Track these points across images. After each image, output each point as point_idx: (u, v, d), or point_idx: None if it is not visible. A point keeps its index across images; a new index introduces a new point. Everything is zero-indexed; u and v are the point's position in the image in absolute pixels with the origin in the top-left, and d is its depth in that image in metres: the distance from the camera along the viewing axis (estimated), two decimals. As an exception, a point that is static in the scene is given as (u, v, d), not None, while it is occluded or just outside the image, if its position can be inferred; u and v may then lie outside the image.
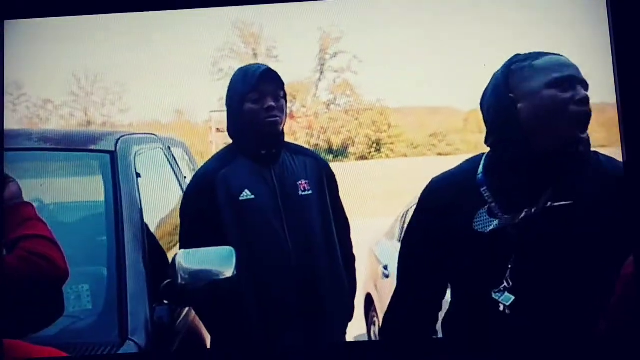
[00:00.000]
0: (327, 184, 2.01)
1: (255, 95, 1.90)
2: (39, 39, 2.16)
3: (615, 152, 1.65)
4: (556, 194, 1.52)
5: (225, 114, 3.51)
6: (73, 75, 3.72)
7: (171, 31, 2.37)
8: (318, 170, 2.01)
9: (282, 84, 1.94)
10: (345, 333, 2.07)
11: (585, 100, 1.49)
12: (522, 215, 1.54)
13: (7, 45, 1.97)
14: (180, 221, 1.94)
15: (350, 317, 2.07)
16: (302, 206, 1.95)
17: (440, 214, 1.62)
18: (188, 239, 1.90)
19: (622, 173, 1.55)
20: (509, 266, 1.54)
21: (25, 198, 1.64)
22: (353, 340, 2.90)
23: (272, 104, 1.90)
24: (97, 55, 2.69)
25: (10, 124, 3.63)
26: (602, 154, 1.57)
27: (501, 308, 1.54)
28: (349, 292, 2.05)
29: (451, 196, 1.62)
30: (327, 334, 1.98)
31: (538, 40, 1.98)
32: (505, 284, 1.55)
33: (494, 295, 1.56)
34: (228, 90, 1.98)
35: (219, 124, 3.98)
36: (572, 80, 1.50)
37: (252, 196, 1.90)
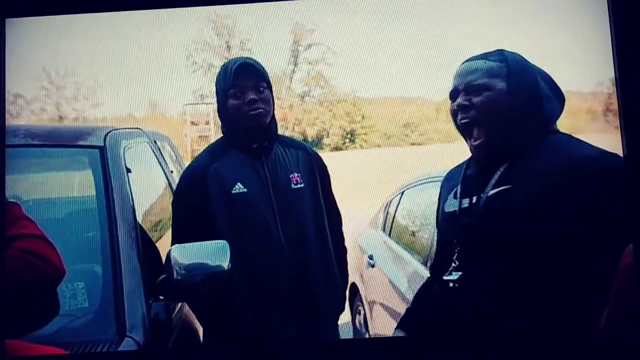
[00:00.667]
0: (319, 176, 2.02)
1: (236, 90, 1.92)
2: (9, 33, 2.12)
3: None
4: (499, 182, 1.61)
5: (199, 107, 3.49)
6: (43, 70, 3.64)
7: (144, 24, 2.35)
8: (310, 163, 2.02)
9: (262, 74, 1.95)
10: (337, 325, 2.09)
11: (461, 105, 1.65)
12: (473, 200, 1.65)
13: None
14: (173, 215, 1.93)
15: (342, 308, 2.09)
16: (294, 199, 1.96)
17: (442, 200, 1.77)
18: (181, 233, 1.90)
19: (582, 157, 1.58)
20: (457, 249, 1.66)
21: (14, 194, 1.61)
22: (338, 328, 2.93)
23: (254, 96, 1.91)
24: (67, 49, 2.65)
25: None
26: (575, 140, 1.63)
27: (450, 285, 1.67)
28: (341, 284, 2.06)
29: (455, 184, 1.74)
30: (319, 326, 2.00)
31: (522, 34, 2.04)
32: (453, 264, 1.68)
33: (444, 278, 1.68)
34: (215, 88, 1.99)
35: (193, 116, 3.94)
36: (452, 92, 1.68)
37: (245, 189, 1.90)
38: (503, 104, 1.62)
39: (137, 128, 2.37)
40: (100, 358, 1.55)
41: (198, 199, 1.88)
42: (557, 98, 1.65)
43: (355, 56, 3.33)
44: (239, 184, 1.90)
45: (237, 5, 2.19)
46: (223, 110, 1.94)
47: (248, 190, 1.90)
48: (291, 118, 4.51)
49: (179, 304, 2.06)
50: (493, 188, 1.61)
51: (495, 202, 1.60)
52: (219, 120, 2.05)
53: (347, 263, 2.11)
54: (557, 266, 1.51)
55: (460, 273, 1.67)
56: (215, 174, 1.90)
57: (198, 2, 2.01)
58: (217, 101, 1.96)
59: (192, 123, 4.01)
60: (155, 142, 2.46)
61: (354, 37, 3.16)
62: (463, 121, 1.67)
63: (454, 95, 1.70)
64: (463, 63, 1.71)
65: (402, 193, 2.71)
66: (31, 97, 3.75)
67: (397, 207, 2.71)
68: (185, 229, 1.90)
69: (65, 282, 1.65)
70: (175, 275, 1.74)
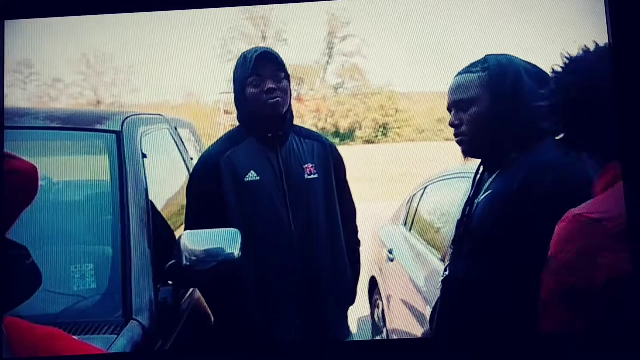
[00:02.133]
0: (334, 168, 2.01)
1: (255, 79, 1.91)
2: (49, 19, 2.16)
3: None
4: (488, 188, 1.61)
5: (233, 96, 3.52)
6: (83, 55, 3.73)
7: (181, 12, 2.37)
8: (325, 154, 2.01)
9: (282, 64, 1.94)
10: (346, 316, 2.08)
11: (453, 124, 1.68)
12: (471, 206, 1.66)
13: (17, 23, 1.98)
14: (187, 202, 1.95)
15: (351, 301, 2.08)
16: (307, 189, 1.96)
17: None
18: (194, 219, 1.92)
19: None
20: (451, 249, 1.70)
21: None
22: (356, 321, 2.93)
23: (272, 85, 1.90)
24: (106, 35, 2.69)
25: (20, 103, 3.65)
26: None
27: (439, 285, 1.72)
28: (352, 277, 2.06)
29: None
30: (327, 317, 1.99)
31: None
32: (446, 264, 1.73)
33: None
34: (233, 77, 1.99)
35: (227, 105, 3.97)
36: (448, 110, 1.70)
37: (258, 177, 1.91)
38: (488, 115, 1.60)
39: (158, 114, 2.39)
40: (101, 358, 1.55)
41: (211, 186, 1.90)
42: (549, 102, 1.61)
43: (390, 49, 3.29)
44: (252, 171, 1.91)
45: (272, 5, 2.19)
46: (240, 99, 1.94)
47: (261, 178, 1.90)
48: (324, 110, 4.51)
49: (190, 290, 2.08)
50: (483, 194, 1.60)
51: (479, 207, 1.60)
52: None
53: (359, 255, 2.09)
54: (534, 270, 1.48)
55: (447, 273, 1.69)
56: (228, 161, 1.91)
57: (232, 2, 2.01)
58: (234, 89, 1.96)
59: (226, 112, 4.04)
60: (176, 129, 2.49)
61: (390, 30, 3.13)
62: (457, 139, 1.68)
63: (450, 113, 1.72)
64: (454, 78, 1.71)
65: (425, 188, 2.67)
66: (70, 81, 3.85)
67: (419, 202, 2.68)
68: (198, 214, 1.92)
69: (74, 263, 1.69)
70: (184, 261, 1.75)
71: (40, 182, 1.42)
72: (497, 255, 1.54)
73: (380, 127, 4.51)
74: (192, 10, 2.30)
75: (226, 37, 4.04)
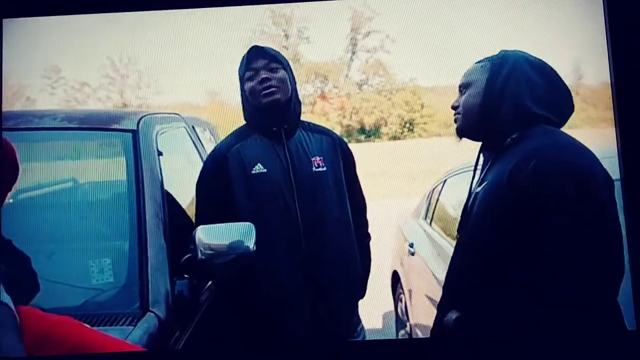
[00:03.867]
0: (342, 161, 2.02)
1: (250, 73, 1.96)
2: (74, 21, 2.21)
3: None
4: (483, 179, 1.63)
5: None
6: (107, 58, 3.80)
7: (203, 12, 2.41)
8: (334, 147, 2.02)
9: (273, 55, 1.97)
10: (356, 311, 2.08)
11: (453, 107, 1.71)
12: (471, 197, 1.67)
13: (42, 29, 2.03)
14: (195, 195, 1.99)
15: (362, 294, 2.08)
16: (314, 182, 1.97)
17: None
18: (202, 212, 1.95)
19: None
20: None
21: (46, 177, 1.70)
22: (381, 316, 2.94)
23: (266, 75, 1.94)
24: (130, 38, 2.74)
25: (49, 107, 3.75)
26: (552, 131, 1.59)
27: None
28: (362, 270, 2.06)
29: None
30: (336, 311, 2.00)
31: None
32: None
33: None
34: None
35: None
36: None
37: (264, 170, 1.93)
38: (479, 96, 1.63)
39: (174, 113, 2.44)
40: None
41: (219, 179, 1.94)
42: (553, 90, 1.60)
43: (414, 44, 3.29)
44: (259, 164, 1.93)
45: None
46: (243, 96, 1.99)
47: (268, 170, 1.92)
48: (349, 107, 4.51)
49: (209, 283, 2.11)
50: (479, 185, 1.61)
51: (478, 199, 1.60)
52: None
53: (370, 249, 2.09)
54: (528, 262, 1.47)
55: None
56: (236, 154, 1.94)
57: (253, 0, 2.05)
58: (240, 90, 2.01)
59: (250, 112, 4.07)
60: (193, 127, 2.53)
61: (413, 25, 3.12)
62: (454, 119, 1.72)
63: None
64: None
65: (445, 181, 2.66)
66: (97, 85, 3.93)
67: (439, 195, 2.67)
68: (206, 207, 1.96)
69: (92, 258, 1.74)
70: (199, 255, 1.78)
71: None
72: (491, 248, 1.54)
73: (405, 123, 4.49)
74: (215, 11, 2.34)
75: (249, 37, 4.09)
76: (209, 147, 2.60)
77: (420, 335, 2.46)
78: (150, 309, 1.69)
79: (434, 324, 1.70)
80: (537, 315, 1.45)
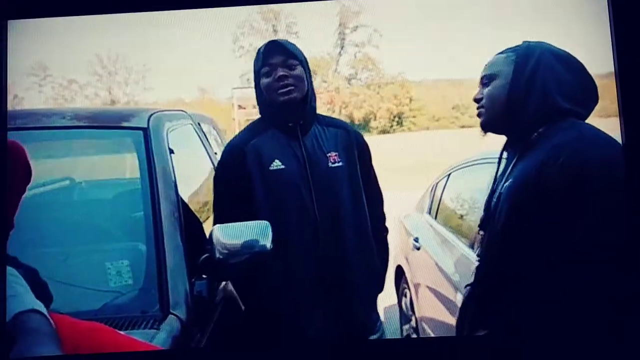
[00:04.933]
0: (358, 155, 2.00)
1: (266, 69, 1.91)
2: (62, 19, 2.16)
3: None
4: (509, 175, 1.61)
5: (246, 91, 3.51)
6: (95, 55, 3.73)
7: (191, 9, 2.37)
8: (349, 141, 2.00)
9: (292, 52, 1.92)
10: (375, 305, 2.07)
11: (475, 99, 1.67)
12: (495, 193, 1.65)
13: (31, 25, 1.97)
14: (214, 192, 1.95)
15: (380, 289, 2.07)
16: (331, 178, 1.94)
17: None
18: (222, 209, 1.92)
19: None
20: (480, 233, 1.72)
21: (58, 176, 1.66)
22: (383, 310, 2.93)
23: (283, 73, 1.90)
24: (118, 35, 2.69)
25: (36, 105, 3.66)
26: (580, 125, 1.58)
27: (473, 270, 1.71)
28: (380, 264, 2.05)
29: None
30: (355, 304, 1.98)
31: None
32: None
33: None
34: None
35: (241, 100, 3.98)
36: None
37: (282, 166, 1.91)
38: (505, 89, 1.60)
39: (181, 110, 2.39)
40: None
41: (237, 175, 1.90)
42: (579, 82, 1.59)
43: (402, 38, 3.28)
44: (276, 160, 1.91)
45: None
46: (258, 91, 1.95)
47: (285, 167, 1.90)
48: (338, 101, 4.50)
49: (222, 283, 2.08)
50: (505, 181, 1.60)
51: (502, 196, 1.58)
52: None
53: (387, 243, 2.08)
54: (556, 262, 1.47)
55: (478, 259, 1.68)
56: (253, 150, 1.91)
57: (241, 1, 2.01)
58: (254, 84, 1.96)
59: (240, 107, 4.05)
60: (199, 124, 2.49)
61: (401, 19, 3.12)
62: (477, 112, 1.68)
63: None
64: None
65: (449, 175, 2.66)
66: (84, 82, 3.86)
67: (443, 189, 2.67)
68: (225, 204, 1.92)
69: (110, 260, 1.70)
70: (217, 255, 1.75)
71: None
72: (522, 243, 1.53)
73: (394, 116, 4.50)
74: (203, 6, 2.30)
75: (237, 32, 4.05)
76: (214, 144, 2.57)
77: (427, 329, 2.46)
78: (172, 311, 1.65)
79: (460, 321, 1.70)
80: (574, 310, 1.45)
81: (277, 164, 1.90)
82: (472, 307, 1.66)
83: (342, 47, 4.36)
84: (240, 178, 1.89)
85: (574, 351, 1.54)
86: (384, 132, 4.54)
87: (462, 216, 2.51)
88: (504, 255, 1.55)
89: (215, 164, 2.43)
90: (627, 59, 1.68)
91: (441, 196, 2.68)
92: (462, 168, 2.57)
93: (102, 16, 2.25)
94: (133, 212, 1.85)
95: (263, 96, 1.93)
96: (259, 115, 2.01)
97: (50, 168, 1.88)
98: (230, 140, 2.00)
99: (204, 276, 1.83)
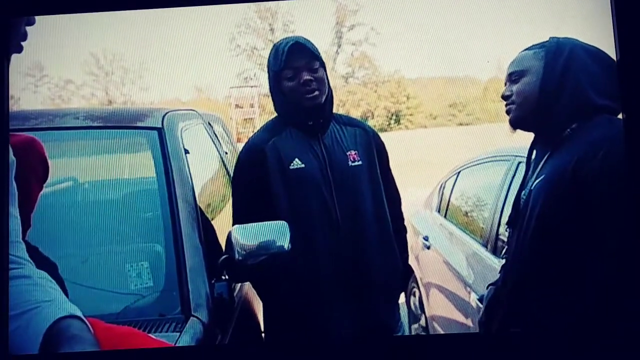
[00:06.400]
0: (377, 155, 1.98)
1: (289, 72, 1.88)
2: (58, 19, 2.13)
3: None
4: (540, 172, 1.60)
5: (243, 90, 3.48)
6: (91, 55, 3.69)
7: (188, 8, 2.34)
8: (368, 140, 1.98)
9: (315, 53, 1.91)
10: (397, 305, 2.06)
11: (504, 96, 1.66)
12: (525, 190, 1.64)
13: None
14: (233, 192, 1.93)
15: (403, 287, 2.06)
16: (351, 177, 1.93)
17: None
18: (242, 209, 1.90)
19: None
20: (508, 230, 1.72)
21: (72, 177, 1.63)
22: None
23: (308, 77, 1.88)
24: (114, 34, 2.66)
25: (32, 105, 3.61)
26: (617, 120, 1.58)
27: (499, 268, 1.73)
28: (401, 263, 2.03)
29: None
30: (377, 304, 1.97)
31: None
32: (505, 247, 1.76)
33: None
34: (267, 73, 1.95)
35: (238, 99, 3.95)
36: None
37: (302, 165, 1.89)
38: (538, 85, 1.60)
39: (191, 109, 2.37)
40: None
41: (258, 173, 1.88)
42: (611, 77, 1.59)
43: (399, 36, 3.27)
44: (296, 159, 1.88)
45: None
46: (277, 92, 1.92)
47: (306, 166, 1.88)
48: (335, 100, 4.48)
49: (239, 284, 2.05)
50: (536, 178, 1.59)
51: (534, 192, 1.57)
52: (263, 103, 2.01)
53: (407, 242, 2.07)
54: (591, 262, 1.46)
55: (506, 256, 1.68)
56: (273, 148, 1.88)
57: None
58: (269, 81, 1.94)
59: (237, 106, 4.01)
60: (209, 123, 2.46)
61: (398, 17, 3.11)
62: (507, 109, 1.67)
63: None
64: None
65: (458, 173, 2.65)
66: (81, 82, 3.80)
67: (452, 187, 2.66)
68: (245, 204, 1.90)
69: (129, 262, 1.67)
70: (236, 256, 1.73)
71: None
72: (556, 241, 1.52)
73: (392, 115, 4.49)
74: (199, 5, 2.28)
75: (234, 31, 4.01)
76: (224, 143, 2.54)
77: (438, 328, 2.45)
78: (193, 313, 1.63)
79: (485, 319, 1.68)
80: (608, 309, 1.44)
81: (297, 163, 1.88)
82: (500, 307, 1.65)
83: (339, 46, 4.34)
84: (260, 178, 1.87)
85: (603, 353, 1.53)
86: (382, 130, 4.53)
87: (472, 214, 2.51)
88: (535, 254, 1.54)
89: (226, 163, 2.41)
90: (630, 59, 1.67)
91: (450, 194, 2.67)
92: (472, 166, 2.56)
93: (97, 16, 2.21)
94: (149, 212, 1.82)
95: (285, 98, 1.90)
96: (255, 114, 1.99)
97: (64, 168, 1.84)
98: (249, 140, 1.97)
99: (223, 277, 1.80)
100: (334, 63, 4.50)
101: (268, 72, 1.95)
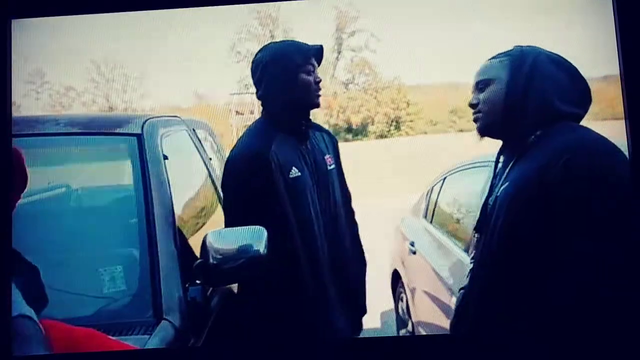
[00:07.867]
0: (339, 156, 2.09)
1: (310, 67, 1.94)
2: (59, 26, 2.17)
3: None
4: (506, 178, 1.60)
5: (244, 97, 3.50)
6: (92, 62, 3.75)
7: (189, 15, 2.37)
8: (334, 144, 2.08)
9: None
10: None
11: (471, 105, 1.67)
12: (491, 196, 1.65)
13: (26, 33, 1.98)
14: (230, 200, 1.95)
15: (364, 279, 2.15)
16: (330, 180, 2.00)
17: None
18: (244, 220, 1.87)
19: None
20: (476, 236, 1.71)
21: (53, 183, 1.65)
22: (379, 315, 2.93)
23: (320, 79, 1.95)
24: (115, 41, 2.70)
25: (34, 111, 3.67)
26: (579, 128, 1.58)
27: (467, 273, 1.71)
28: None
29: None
30: (360, 296, 2.09)
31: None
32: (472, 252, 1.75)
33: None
34: (277, 62, 1.93)
35: (238, 106, 3.99)
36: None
37: (299, 173, 1.92)
38: (504, 92, 1.61)
39: (175, 116, 2.39)
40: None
41: (263, 183, 1.88)
42: (574, 85, 1.60)
43: (399, 42, 3.29)
44: (293, 167, 1.92)
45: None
46: (290, 84, 1.93)
47: (301, 174, 1.92)
48: (335, 106, 4.51)
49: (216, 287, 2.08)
50: (502, 185, 1.60)
51: (499, 198, 1.58)
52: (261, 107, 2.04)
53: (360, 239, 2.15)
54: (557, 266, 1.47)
55: (473, 262, 1.68)
56: (275, 157, 1.90)
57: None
58: (280, 77, 1.93)
59: (237, 112, 4.05)
60: (194, 130, 2.49)
61: (398, 23, 3.13)
62: (474, 117, 1.68)
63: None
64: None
65: (444, 179, 2.66)
66: (82, 89, 3.87)
67: (438, 193, 2.67)
68: (250, 212, 1.89)
69: (103, 266, 1.70)
70: (211, 260, 1.76)
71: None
72: (521, 246, 1.52)
73: (392, 121, 4.51)
74: (200, 13, 2.30)
75: (234, 38, 4.06)
76: (209, 149, 2.57)
77: (423, 333, 2.46)
78: (165, 316, 1.65)
79: (456, 321, 1.70)
80: (576, 315, 1.45)
81: (295, 172, 1.91)
82: (468, 310, 1.66)
83: (339, 52, 4.38)
84: (266, 186, 1.88)
85: (567, 352, 1.54)
86: (381, 136, 4.55)
87: (457, 220, 2.52)
88: (500, 258, 1.55)
89: (210, 170, 2.43)
90: (633, 62, 1.67)
91: (437, 200, 2.68)
92: (457, 172, 2.57)
93: (99, 24, 2.25)
94: (127, 217, 1.85)
95: (297, 91, 1.93)
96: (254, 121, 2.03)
97: (46, 175, 1.88)
98: (245, 148, 1.97)
99: (198, 282, 1.83)
100: (334, 69, 4.54)
101: (283, 64, 1.93)
